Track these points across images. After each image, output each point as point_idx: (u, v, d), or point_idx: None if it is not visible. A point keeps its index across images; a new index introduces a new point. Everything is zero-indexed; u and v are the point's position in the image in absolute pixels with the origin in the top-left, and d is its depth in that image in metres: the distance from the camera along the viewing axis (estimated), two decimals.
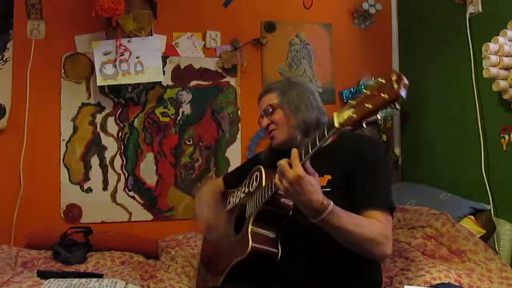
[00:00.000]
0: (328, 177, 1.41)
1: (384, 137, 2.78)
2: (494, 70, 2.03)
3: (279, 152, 1.42)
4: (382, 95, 1.00)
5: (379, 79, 1.03)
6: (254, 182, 1.50)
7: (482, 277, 1.78)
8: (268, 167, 1.48)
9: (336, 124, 1.08)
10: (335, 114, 1.10)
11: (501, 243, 2.11)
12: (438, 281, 1.67)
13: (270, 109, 1.55)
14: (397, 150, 3.01)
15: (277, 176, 1.23)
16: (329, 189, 1.36)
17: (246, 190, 1.55)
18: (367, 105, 1.02)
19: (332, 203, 1.21)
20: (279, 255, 1.37)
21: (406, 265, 1.89)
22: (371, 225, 1.29)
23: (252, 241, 1.34)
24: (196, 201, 1.81)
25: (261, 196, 1.38)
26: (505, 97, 2.09)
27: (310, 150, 1.17)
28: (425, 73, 2.78)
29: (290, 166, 1.19)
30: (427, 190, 2.54)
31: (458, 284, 1.67)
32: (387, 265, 1.93)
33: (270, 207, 1.37)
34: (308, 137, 1.37)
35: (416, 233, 2.16)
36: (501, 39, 2.03)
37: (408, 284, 1.69)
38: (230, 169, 2.66)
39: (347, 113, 1.06)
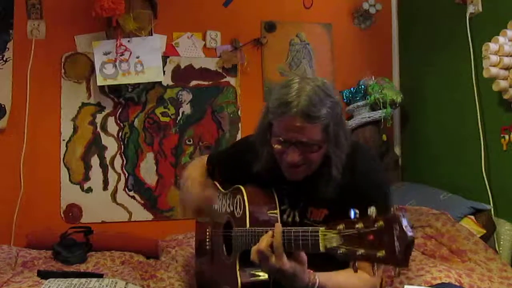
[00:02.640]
0: (325, 211, 1.31)
1: (384, 137, 2.78)
2: (494, 70, 2.03)
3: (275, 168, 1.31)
4: (379, 253, 0.82)
5: (380, 221, 0.84)
6: (238, 208, 1.37)
7: (483, 277, 1.78)
8: (259, 175, 1.36)
9: (321, 248, 0.96)
10: (321, 232, 0.97)
11: (501, 243, 2.11)
12: (438, 281, 1.67)
13: (314, 147, 1.22)
14: (397, 150, 3.01)
15: (255, 252, 1.10)
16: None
17: (231, 208, 1.42)
18: (358, 251, 0.86)
19: (318, 280, 1.14)
20: (271, 281, 1.30)
21: None
22: (359, 286, 1.24)
23: (241, 280, 1.30)
24: (185, 177, 1.63)
25: (245, 242, 1.27)
26: (505, 97, 2.09)
27: (292, 244, 1.04)
28: (425, 73, 2.78)
29: (271, 248, 1.07)
30: (427, 190, 2.54)
31: (458, 284, 1.67)
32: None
33: None
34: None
35: (416, 233, 2.16)
36: (501, 39, 2.03)
37: (409, 284, 1.69)
38: None
39: (335, 241, 0.92)
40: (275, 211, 1.34)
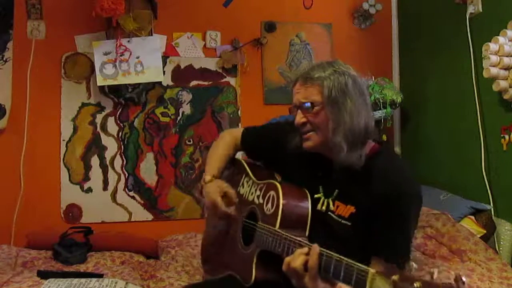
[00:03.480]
0: (352, 209, 1.25)
1: (384, 137, 2.78)
2: (494, 70, 2.03)
3: (311, 152, 1.32)
4: None
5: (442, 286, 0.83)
6: (270, 204, 1.34)
7: (483, 277, 1.78)
8: (293, 157, 1.37)
9: None
10: (370, 274, 0.93)
11: (501, 243, 2.11)
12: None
13: (310, 107, 1.26)
14: (397, 150, 3.01)
15: (287, 266, 1.08)
16: (349, 223, 1.24)
17: (261, 201, 1.39)
18: None
19: None
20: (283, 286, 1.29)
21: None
22: None
23: (255, 274, 1.29)
24: (208, 158, 1.62)
25: (270, 243, 1.25)
26: (505, 97, 2.08)
27: (331, 271, 1.01)
28: (425, 73, 2.78)
29: (305, 266, 1.05)
30: (427, 190, 2.54)
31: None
32: None
33: None
34: (355, 148, 1.24)
35: (416, 233, 2.16)
36: (501, 39, 2.03)
37: None
38: None
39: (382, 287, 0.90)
40: (307, 215, 1.31)
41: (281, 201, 1.30)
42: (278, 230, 1.25)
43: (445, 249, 2.03)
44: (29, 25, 2.59)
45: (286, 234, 1.21)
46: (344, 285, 1.02)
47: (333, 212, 1.29)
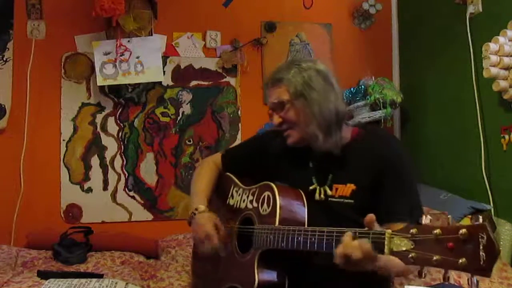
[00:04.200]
0: (352, 186, 1.30)
1: None
2: (494, 70, 2.03)
3: (296, 147, 1.37)
4: (460, 260, 0.80)
5: (463, 228, 0.81)
6: (266, 205, 1.36)
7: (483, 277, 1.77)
8: (281, 158, 1.41)
9: (386, 251, 0.94)
10: (388, 234, 0.94)
11: (501, 243, 2.11)
12: (438, 281, 1.67)
13: (280, 106, 1.36)
14: None
15: (343, 256, 1.01)
16: (352, 201, 1.28)
17: (255, 205, 1.40)
18: (434, 257, 0.84)
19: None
20: (287, 283, 1.30)
21: None
22: None
23: (258, 278, 1.28)
24: (192, 187, 1.61)
25: (271, 241, 1.26)
26: (505, 97, 2.09)
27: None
28: (425, 73, 2.78)
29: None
30: (427, 190, 2.54)
31: (458, 284, 1.67)
32: None
33: None
34: (330, 134, 1.30)
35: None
36: (501, 39, 2.03)
37: (408, 285, 1.69)
38: None
39: (404, 245, 0.90)
40: (303, 209, 1.32)
41: (277, 199, 1.31)
42: (278, 226, 1.26)
43: None
44: (29, 25, 2.59)
45: (286, 227, 1.23)
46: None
47: (333, 196, 1.32)
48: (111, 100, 2.70)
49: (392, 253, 0.92)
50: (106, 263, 2.17)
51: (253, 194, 1.43)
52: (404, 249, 0.89)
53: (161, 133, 2.75)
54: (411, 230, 0.89)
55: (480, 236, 0.80)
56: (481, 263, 0.79)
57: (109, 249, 2.29)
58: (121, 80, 2.60)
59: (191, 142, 2.79)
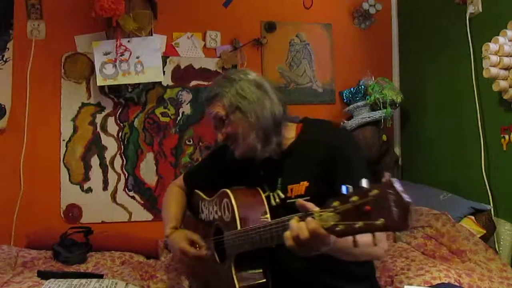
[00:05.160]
0: (305, 183, 1.32)
1: (384, 137, 2.78)
2: (494, 70, 2.03)
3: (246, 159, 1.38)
4: (378, 221, 0.81)
5: (374, 189, 0.83)
6: (227, 211, 1.37)
7: (483, 276, 1.78)
8: (235, 170, 1.43)
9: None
10: (316, 213, 0.95)
11: (501, 243, 2.11)
12: (438, 281, 1.67)
13: (220, 122, 1.37)
14: (397, 150, 3.01)
15: (293, 238, 1.01)
16: (308, 197, 1.24)
17: (219, 214, 1.42)
18: (357, 224, 0.85)
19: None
20: (270, 282, 1.31)
21: (406, 264, 1.89)
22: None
23: (239, 284, 1.29)
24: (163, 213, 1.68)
25: (239, 245, 1.28)
26: (505, 97, 2.09)
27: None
28: (425, 73, 2.78)
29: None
30: (427, 190, 2.55)
31: (458, 284, 1.67)
32: (388, 265, 1.94)
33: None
34: (269, 142, 1.32)
35: (416, 233, 2.16)
36: (501, 39, 2.03)
37: (408, 284, 1.69)
38: None
39: (332, 220, 0.91)
40: (264, 206, 1.34)
41: (234, 203, 1.33)
42: (241, 229, 1.28)
43: (445, 249, 2.03)
44: (29, 25, 2.59)
45: (248, 228, 1.24)
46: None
47: (289, 197, 1.34)
48: (111, 100, 2.70)
49: (325, 230, 0.93)
50: (106, 263, 2.17)
51: (216, 204, 1.46)
52: (332, 223, 0.90)
53: (161, 133, 2.76)
54: (333, 203, 0.91)
55: (388, 193, 0.80)
56: (396, 218, 0.79)
57: (109, 249, 2.29)
58: (121, 80, 2.60)
59: (191, 142, 2.79)
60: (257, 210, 1.33)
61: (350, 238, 0.90)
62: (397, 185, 0.81)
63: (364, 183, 0.87)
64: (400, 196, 0.80)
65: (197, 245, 1.48)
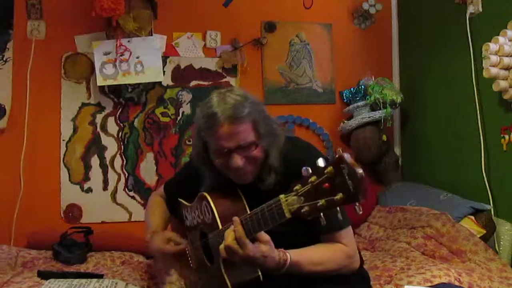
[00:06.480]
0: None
1: (384, 137, 2.78)
2: (494, 70, 2.03)
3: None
4: (337, 196, 0.86)
5: (328, 167, 0.87)
6: (207, 213, 1.37)
7: (483, 276, 1.78)
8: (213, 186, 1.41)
9: (287, 214, 0.98)
10: (282, 200, 0.98)
11: (501, 243, 2.11)
12: (438, 279, 1.67)
13: (252, 146, 1.27)
14: (397, 150, 3.01)
15: (223, 250, 1.12)
16: (287, 229, 1.15)
17: (201, 217, 1.42)
18: (319, 203, 0.89)
19: (288, 257, 1.17)
20: (261, 275, 1.29)
21: (406, 264, 1.89)
22: (334, 256, 1.27)
23: (230, 282, 1.29)
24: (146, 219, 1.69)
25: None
26: (505, 97, 2.09)
27: (256, 227, 1.08)
28: (425, 73, 2.78)
29: (238, 242, 1.09)
30: (427, 190, 2.55)
31: (458, 283, 1.67)
32: (387, 265, 1.94)
33: None
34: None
35: (416, 233, 2.16)
36: (501, 39, 2.03)
37: (408, 284, 1.69)
38: None
39: (297, 202, 0.94)
40: (242, 202, 1.33)
41: (211, 203, 1.33)
42: (224, 227, 1.28)
43: (445, 249, 2.03)
44: (29, 25, 2.59)
45: (226, 226, 1.24)
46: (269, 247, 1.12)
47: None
48: (111, 100, 2.70)
49: (292, 213, 0.96)
50: (106, 263, 2.17)
51: (197, 209, 1.45)
52: (297, 206, 0.94)
53: (161, 133, 2.75)
54: (295, 187, 0.95)
55: (342, 167, 0.85)
56: (352, 190, 0.83)
57: (109, 249, 2.29)
58: (121, 80, 2.60)
59: (191, 142, 2.79)
60: (236, 207, 1.33)
61: (304, 257, 1.01)
62: (348, 158, 0.85)
63: (321, 162, 0.91)
64: (352, 168, 0.83)
65: (174, 242, 1.49)
